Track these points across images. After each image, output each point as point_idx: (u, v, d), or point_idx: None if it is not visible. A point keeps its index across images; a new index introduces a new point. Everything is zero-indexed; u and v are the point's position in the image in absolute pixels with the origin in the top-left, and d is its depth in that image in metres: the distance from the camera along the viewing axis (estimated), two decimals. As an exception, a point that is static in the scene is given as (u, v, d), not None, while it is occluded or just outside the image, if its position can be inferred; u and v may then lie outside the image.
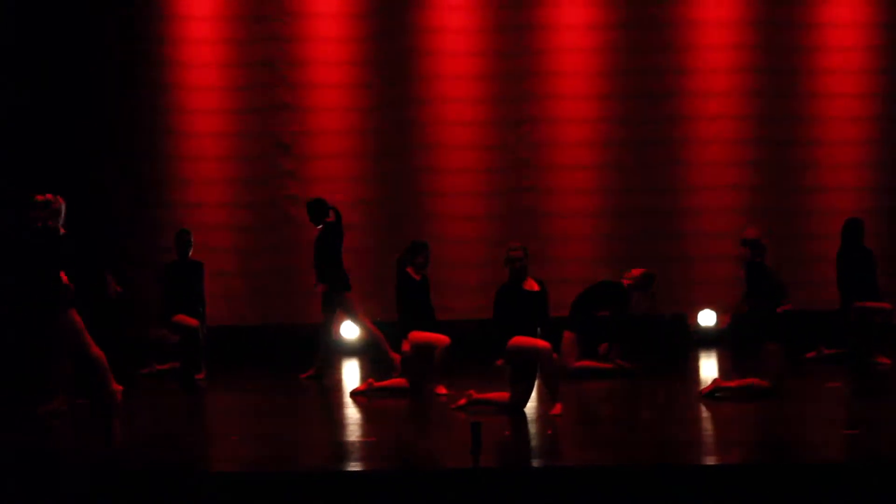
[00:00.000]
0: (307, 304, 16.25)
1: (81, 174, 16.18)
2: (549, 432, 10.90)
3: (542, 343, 11.47)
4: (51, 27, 16.11)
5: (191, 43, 16.48)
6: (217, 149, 16.53)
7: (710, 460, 9.85)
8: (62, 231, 11.54)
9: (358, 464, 9.77)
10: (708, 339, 16.12)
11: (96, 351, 11.82)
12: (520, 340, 11.48)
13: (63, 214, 11.58)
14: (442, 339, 12.86)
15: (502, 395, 11.79)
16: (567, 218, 16.55)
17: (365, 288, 15.91)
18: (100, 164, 16.29)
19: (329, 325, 14.51)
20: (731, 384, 12.35)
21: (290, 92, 16.53)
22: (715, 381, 12.38)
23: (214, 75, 16.51)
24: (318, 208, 14.41)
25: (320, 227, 14.38)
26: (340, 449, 10.36)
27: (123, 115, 16.39)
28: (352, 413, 12.27)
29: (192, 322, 14.35)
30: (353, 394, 12.96)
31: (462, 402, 11.92)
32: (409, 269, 13.06)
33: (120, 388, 11.98)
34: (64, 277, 11.50)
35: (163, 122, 16.50)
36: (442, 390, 12.78)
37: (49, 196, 11.58)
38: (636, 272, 14.24)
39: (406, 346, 12.86)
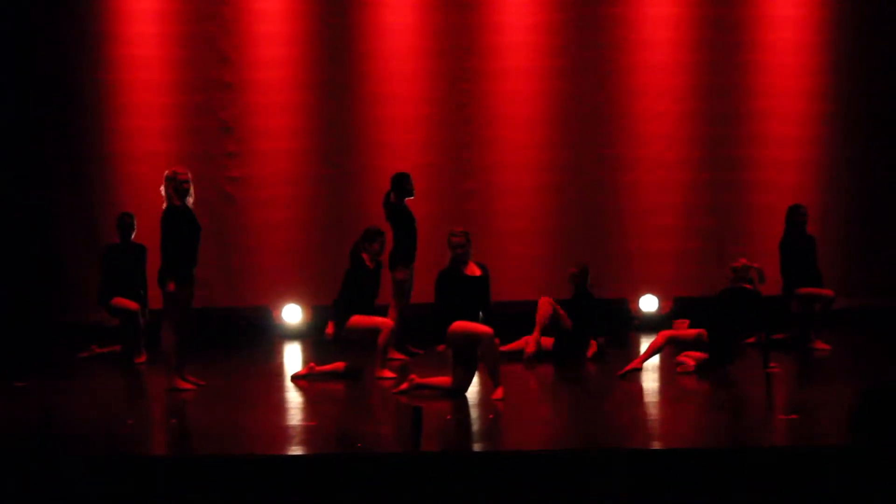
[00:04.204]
0: (249, 286, 16.23)
1: (18, 156, 16.04)
2: (491, 417, 10.91)
3: (483, 328, 11.47)
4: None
5: (129, 21, 16.28)
6: (157, 129, 16.33)
7: (652, 445, 9.89)
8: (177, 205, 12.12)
9: (298, 448, 9.74)
10: (649, 325, 16.17)
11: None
12: (461, 325, 11.48)
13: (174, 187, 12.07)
14: (385, 322, 12.84)
15: (444, 380, 11.80)
16: (507, 199, 16.50)
17: (309, 269, 15.99)
18: (38, 146, 16.11)
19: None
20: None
21: (232, 71, 16.38)
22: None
23: (153, 53, 16.31)
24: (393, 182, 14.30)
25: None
26: (281, 433, 10.33)
27: (61, 94, 16.17)
28: (293, 397, 12.24)
29: (132, 305, 14.25)
30: (294, 378, 12.92)
31: (404, 386, 11.93)
32: (364, 255, 13.03)
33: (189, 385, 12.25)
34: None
35: (101, 101, 16.28)
36: (384, 374, 12.77)
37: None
38: None
39: (330, 330, 12.88)
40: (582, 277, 14.33)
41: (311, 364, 13.00)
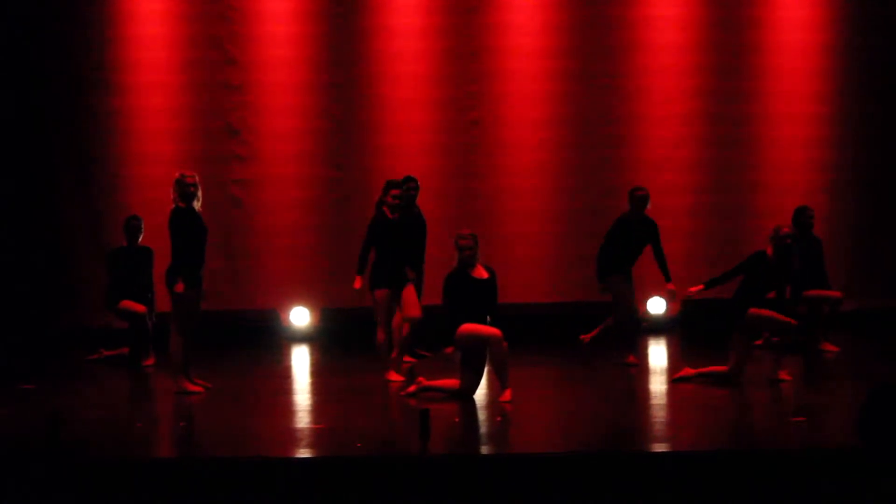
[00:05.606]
0: (256, 289, 16.22)
1: (24, 159, 16.05)
2: (499, 419, 10.90)
3: (491, 330, 11.47)
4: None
5: (136, 23, 16.26)
6: (164, 132, 16.30)
7: (659, 447, 9.88)
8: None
9: (306, 450, 9.74)
10: (657, 327, 16.16)
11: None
12: (469, 328, 11.48)
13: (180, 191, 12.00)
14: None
15: (452, 382, 11.80)
16: (515, 201, 16.47)
17: (317, 271, 16.00)
18: (44, 149, 16.10)
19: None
20: (693, 371, 12.46)
21: (239, 73, 16.36)
22: (685, 369, 12.45)
23: (160, 56, 16.27)
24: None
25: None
26: (289, 435, 10.33)
27: (67, 97, 16.16)
28: (301, 399, 12.23)
29: (139, 308, 14.25)
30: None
31: (412, 388, 11.92)
32: (384, 208, 12.94)
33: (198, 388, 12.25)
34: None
35: (107, 103, 16.26)
36: (392, 377, 12.75)
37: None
38: None
39: (357, 284, 12.75)
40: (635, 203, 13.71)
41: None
